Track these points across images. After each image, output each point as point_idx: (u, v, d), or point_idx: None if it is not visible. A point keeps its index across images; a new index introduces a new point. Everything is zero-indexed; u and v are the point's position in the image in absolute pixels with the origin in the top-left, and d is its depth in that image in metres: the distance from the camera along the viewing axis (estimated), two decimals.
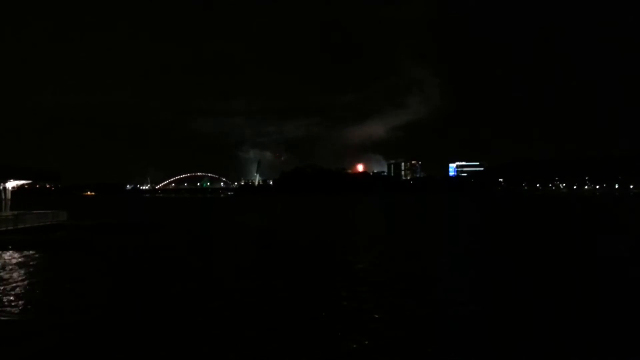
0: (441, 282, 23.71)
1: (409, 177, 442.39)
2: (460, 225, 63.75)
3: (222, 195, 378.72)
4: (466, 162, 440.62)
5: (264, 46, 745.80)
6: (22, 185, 52.09)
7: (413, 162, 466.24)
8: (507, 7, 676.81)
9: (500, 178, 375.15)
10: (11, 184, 49.04)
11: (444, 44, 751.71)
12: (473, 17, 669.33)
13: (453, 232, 53.51)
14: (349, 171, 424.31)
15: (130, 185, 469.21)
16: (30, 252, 33.01)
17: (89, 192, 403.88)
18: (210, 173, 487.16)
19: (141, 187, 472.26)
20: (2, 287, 21.28)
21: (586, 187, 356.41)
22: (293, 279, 24.38)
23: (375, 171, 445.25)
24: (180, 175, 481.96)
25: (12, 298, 19.29)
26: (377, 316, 17.06)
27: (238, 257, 32.75)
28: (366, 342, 14.21)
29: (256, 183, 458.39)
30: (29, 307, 18.06)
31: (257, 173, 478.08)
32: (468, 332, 15.36)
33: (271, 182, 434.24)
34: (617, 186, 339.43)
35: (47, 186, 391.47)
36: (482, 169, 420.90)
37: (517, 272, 26.35)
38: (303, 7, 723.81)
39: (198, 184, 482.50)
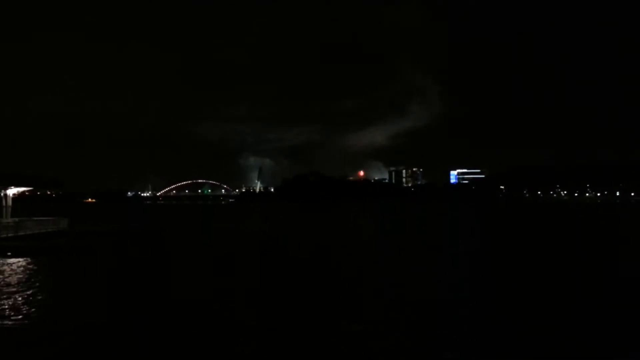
0: (441, 285, 23.71)
1: (410, 184, 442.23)
2: (461, 231, 63.71)
3: (223, 202, 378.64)
4: (467, 169, 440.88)
5: (264, 52, 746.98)
6: (23, 192, 52.13)
7: (414, 169, 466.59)
8: (506, 8, 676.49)
9: (502, 185, 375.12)
10: (12, 191, 49.11)
11: (445, 50, 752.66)
12: (473, 20, 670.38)
13: (453, 237, 53.51)
14: (350, 178, 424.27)
15: (131, 192, 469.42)
16: (31, 259, 33.04)
17: (90, 199, 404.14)
18: (212, 180, 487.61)
19: (142, 194, 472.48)
20: (3, 294, 21.31)
21: (587, 194, 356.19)
22: (293, 282, 24.39)
23: (376, 178, 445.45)
24: (182, 182, 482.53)
25: (12, 305, 19.31)
26: (375, 318, 17.07)
27: (237, 262, 32.78)
28: (365, 344, 14.25)
29: (257, 190, 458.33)
30: (29, 314, 18.06)
31: (258, 180, 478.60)
32: (467, 334, 15.37)
33: (272, 189, 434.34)
34: (618, 193, 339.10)
35: (48, 193, 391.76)
36: (483, 176, 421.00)
37: (518, 276, 26.36)
38: (303, 9, 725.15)
39: (199, 190, 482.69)
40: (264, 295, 21.83)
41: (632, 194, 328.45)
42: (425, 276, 27.20)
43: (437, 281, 25.59)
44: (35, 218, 48.87)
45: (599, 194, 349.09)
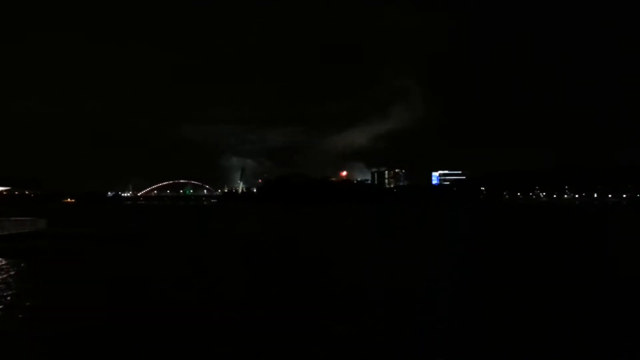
0: (430, 286, 24.01)
1: (392, 186, 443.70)
2: (449, 231, 64.38)
3: (205, 203, 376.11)
4: (449, 170, 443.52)
5: (250, 55, 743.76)
6: (0, 191, 51.37)
7: (397, 170, 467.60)
8: (503, 10, 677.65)
9: (482, 187, 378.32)
10: None
11: (429, 54, 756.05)
12: (472, 20, 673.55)
13: (442, 238, 54.05)
14: (333, 179, 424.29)
15: (111, 192, 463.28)
16: (8, 260, 32.59)
17: (69, 199, 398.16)
18: (194, 180, 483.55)
19: (123, 195, 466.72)
20: None
21: (566, 196, 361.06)
22: (283, 288, 24.46)
23: (359, 179, 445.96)
24: (163, 182, 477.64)
25: None
26: (366, 322, 17.26)
27: (227, 266, 32.77)
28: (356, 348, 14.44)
29: (240, 191, 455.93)
30: (6, 317, 17.89)
31: (240, 181, 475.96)
32: (464, 333, 15.63)
33: (255, 190, 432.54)
34: (595, 195, 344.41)
35: (27, 193, 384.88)
36: (464, 177, 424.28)
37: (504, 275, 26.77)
38: (302, 10, 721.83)
39: (181, 191, 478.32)
40: (252, 303, 21.87)
41: (610, 195, 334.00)
42: (413, 279, 27.49)
43: (425, 284, 25.88)
44: (13, 218, 48.13)
45: (577, 196, 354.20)
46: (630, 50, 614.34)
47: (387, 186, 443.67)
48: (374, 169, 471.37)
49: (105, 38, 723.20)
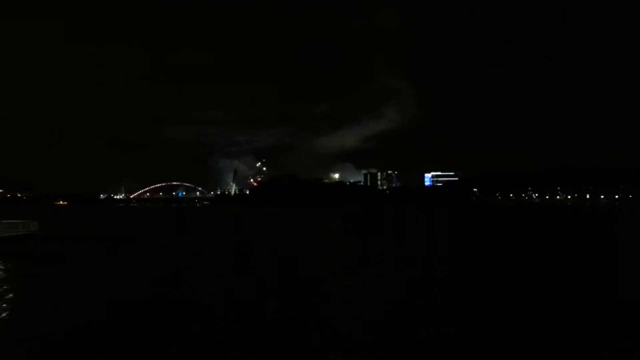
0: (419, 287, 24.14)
1: (385, 187, 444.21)
2: (441, 233, 64.62)
3: (197, 205, 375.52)
4: (441, 172, 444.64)
5: (239, 55, 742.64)
6: None
7: (389, 171, 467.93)
8: (499, 9, 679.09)
9: (475, 188, 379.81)
10: None
11: (420, 54, 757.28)
12: (452, 23, 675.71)
13: (431, 239, 54.22)
14: (325, 181, 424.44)
15: (104, 194, 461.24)
16: (2, 263, 32.42)
17: (61, 202, 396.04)
18: (186, 182, 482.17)
19: (115, 197, 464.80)
20: None
21: (558, 197, 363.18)
22: (271, 288, 24.51)
23: (352, 181, 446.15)
24: (155, 184, 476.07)
25: None
26: (353, 324, 17.35)
27: (215, 267, 32.74)
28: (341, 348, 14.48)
29: (232, 193, 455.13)
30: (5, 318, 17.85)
31: (233, 182, 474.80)
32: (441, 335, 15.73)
33: (247, 192, 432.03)
34: (588, 196, 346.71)
35: (19, 195, 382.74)
36: (456, 179, 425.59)
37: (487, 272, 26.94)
38: (283, 14, 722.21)
39: (173, 193, 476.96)
40: (240, 303, 21.92)
41: (602, 196, 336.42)
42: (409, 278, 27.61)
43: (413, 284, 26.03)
44: (4, 221, 47.88)
45: (569, 197, 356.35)
46: (631, 50, 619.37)
47: (380, 187, 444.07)
48: (364, 171, 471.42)
49: (102, 39, 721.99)
